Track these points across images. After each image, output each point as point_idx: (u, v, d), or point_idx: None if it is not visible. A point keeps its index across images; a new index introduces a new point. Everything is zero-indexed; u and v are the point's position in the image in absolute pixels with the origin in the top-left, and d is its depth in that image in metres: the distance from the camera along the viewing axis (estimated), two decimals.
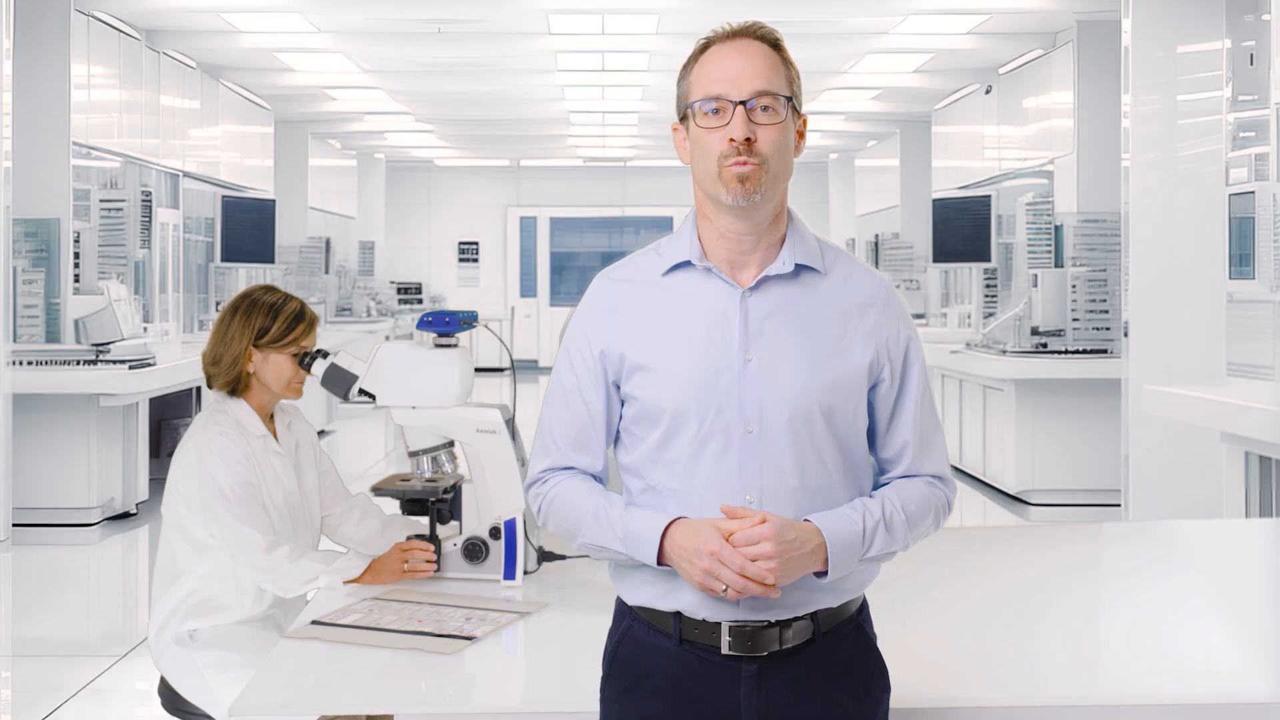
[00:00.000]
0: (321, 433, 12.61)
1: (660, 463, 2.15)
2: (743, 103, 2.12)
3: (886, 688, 2.21)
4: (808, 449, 2.12)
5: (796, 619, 2.12)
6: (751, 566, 2.03)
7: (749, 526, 2.05)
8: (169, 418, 9.79)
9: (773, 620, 2.11)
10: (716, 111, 2.13)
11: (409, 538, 3.28)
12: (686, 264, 2.18)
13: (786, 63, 2.17)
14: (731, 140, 2.11)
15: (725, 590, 2.05)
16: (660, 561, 2.10)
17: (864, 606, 2.23)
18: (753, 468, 2.11)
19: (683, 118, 2.20)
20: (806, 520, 2.10)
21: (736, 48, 2.15)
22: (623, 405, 2.19)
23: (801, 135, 2.19)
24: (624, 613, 2.20)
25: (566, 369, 2.22)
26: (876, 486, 2.22)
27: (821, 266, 2.19)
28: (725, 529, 2.06)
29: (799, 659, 2.13)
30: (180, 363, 8.81)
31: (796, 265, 2.17)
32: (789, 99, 2.15)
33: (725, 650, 2.11)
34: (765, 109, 2.13)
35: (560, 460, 2.22)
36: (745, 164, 2.11)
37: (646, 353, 2.16)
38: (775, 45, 2.17)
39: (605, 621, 2.26)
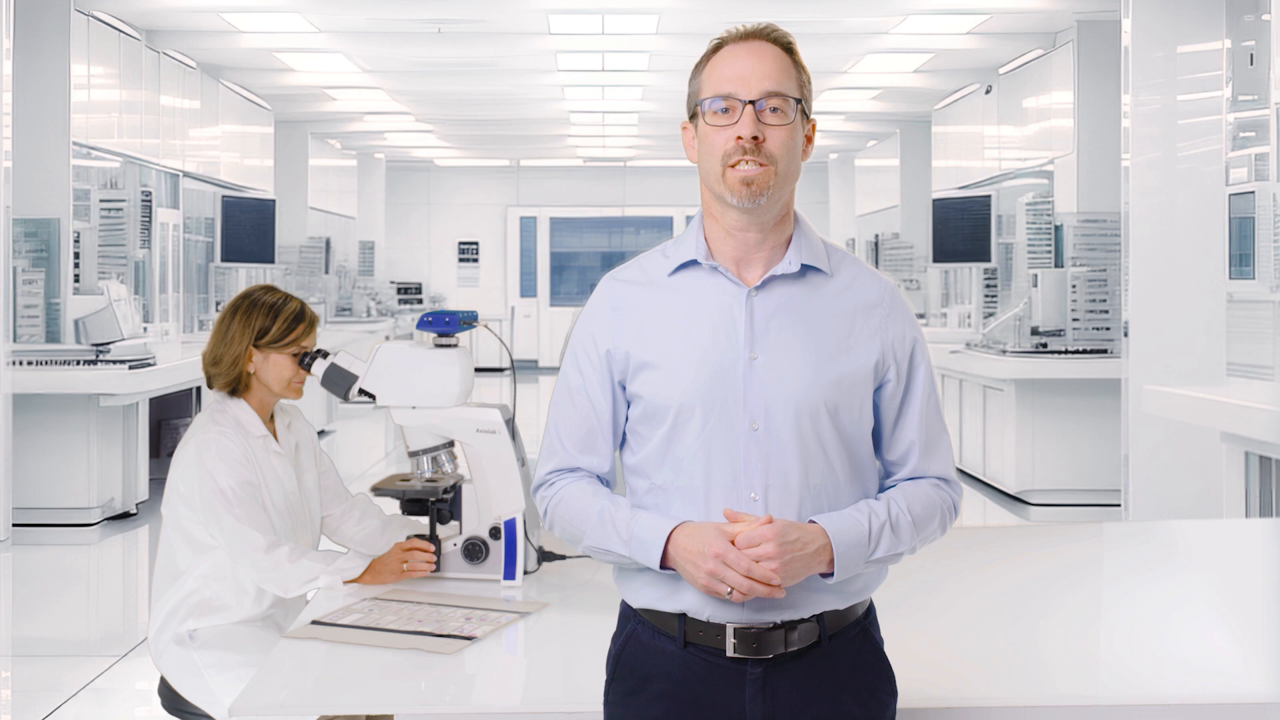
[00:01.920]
0: (321, 433, 12.61)
1: (666, 460, 2.15)
2: (752, 102, 2.12)
3: (893, 693, 2.20)
4: (813, 446, 2.12)
5: (802, 621, 2.12)
6: (757, 567, 2.03)
7: (752, 528, 2.05)
8: (169, 418, 9.79)
9: (778, 622, 2.11)
10: (726, 110, 2.14)
11: (409, 538, 3.28)
12: (693, 263, 2.18)
13: (798, 66, 2.17)
14: (739, 139, 2.12)
15: (730, 593, 2.05)
16: (664, 565, 2.10)
17: (870, 611, 2.22)
18: (758, 464, 2.11)
19: (692, 116, 2.20)
20: (812, 521, 2.10)
21: (749, 49, 2.15)
22: (629, 406, 2.19)
23: (810, 139, 2.20)
24: (628, 616, 2.20)
25: (573, 370, 2.23)
26: (882, 489, 2.22)
27: (827, 268, 2.19)
28: (729, 532, 2.06)
29: (805, 662, 2.12)
30: (180, 363, 8.81)
31: (803, 265, 2.17)
32: (798, 101, 2.15)
33: (730, 653, 2.11)
34: (775, 110, 2.13)
35: (567, 461, 2.22)
36: (752, 165, 2.11)
37: (652, 350, 2.16)
38: (788, 49, 2.17)
39: (605, 622, 2.26)
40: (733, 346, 2.13)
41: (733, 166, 2.12)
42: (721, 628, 2.11)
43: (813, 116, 2.20)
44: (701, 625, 2.12)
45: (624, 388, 2.19)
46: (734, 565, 2.04)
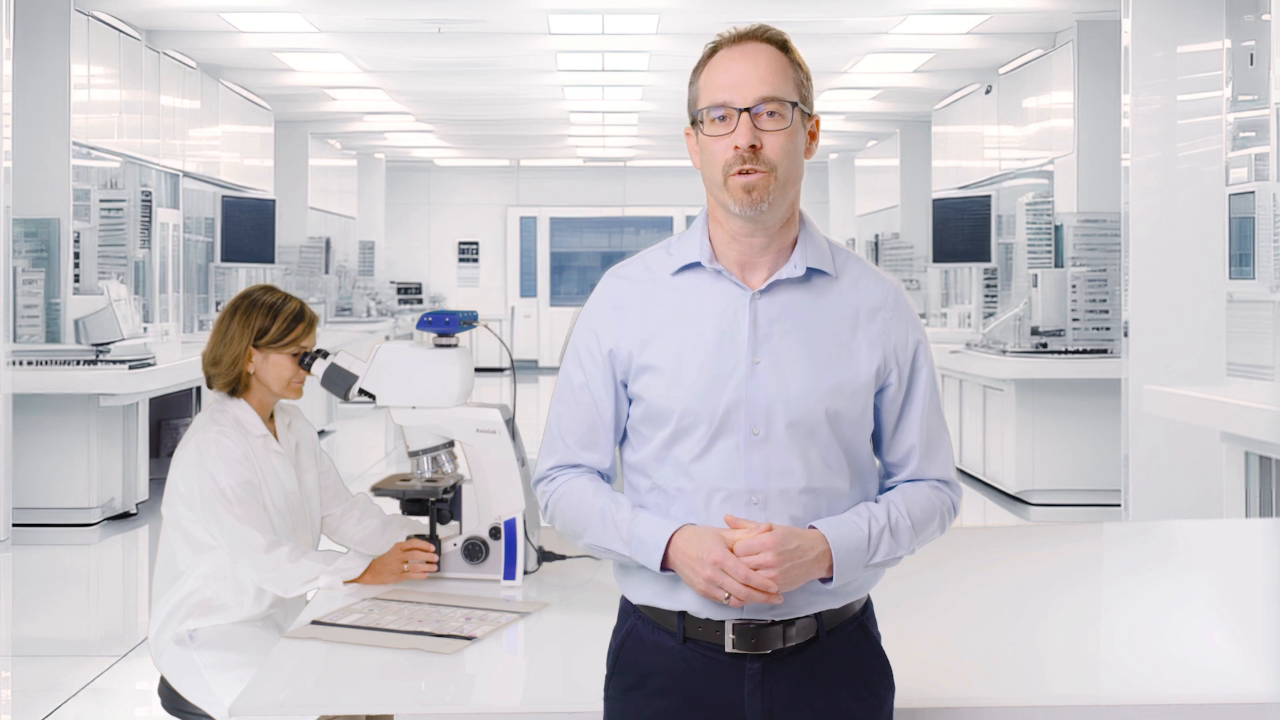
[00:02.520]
0: (321, 433, 12.61)
1: (666, 462, 2.15)
2: (748, 110, 2.11)
3: (890, 687, 2.21)
4: (814, 452, 2.13)
5: (800, 617, 2.13)
6: (755, 576, 2.03)
7: (752, 536, 2.05)
8: (169, 418, 9.79)
9: (776, 619, 2.12)
10: (723, 119, 2.12)
11: (409, 538, 3.28)
12: (696, 265, 2.18)
13: (795, 65, 2.15)
14: (737, 148, 2.11)
15: (728, 598, 2.05)
16: (664, 567, 2.10)
17: (868, 606, 2.23)
18: (759, 470, 2.11)
19: (693, 122, 2.19)
20: (812, 527, 2.10)
21: (743, 52, 2.14)
22: (630, 404, 2.19)
23: (814, 136, 2.19)
24: (628, 611, 2.21)
25: (575, 366, 2.22)
26: (882, 489, 2.23)
27: (832, 270, 2.19)
28: (729, 538, 2.06)
29: (803, 657, 2.13)
30: (180, 363, 8.81)
31: (808, 269, 2.17)
32: (796, 104, 2.14)
33: (729, 648, 2.11)
34: (771, 115, 2.12)
35: (568, 458, 2.22)
36: (751, 173, 2.10)
37: (655, 353, 2.16)
38: (784, 47, 2.15)
39: (605, 621, 2.26)
40: (735, 351, 2.13)
41: (733, 175, 2.12)
42: (720, 624, 2.12)
43: (815, 113, 2.19)
44: (700, 622, 2.13)
45: (626, 386, 2.19)
46: (732, 573, 2.04)
